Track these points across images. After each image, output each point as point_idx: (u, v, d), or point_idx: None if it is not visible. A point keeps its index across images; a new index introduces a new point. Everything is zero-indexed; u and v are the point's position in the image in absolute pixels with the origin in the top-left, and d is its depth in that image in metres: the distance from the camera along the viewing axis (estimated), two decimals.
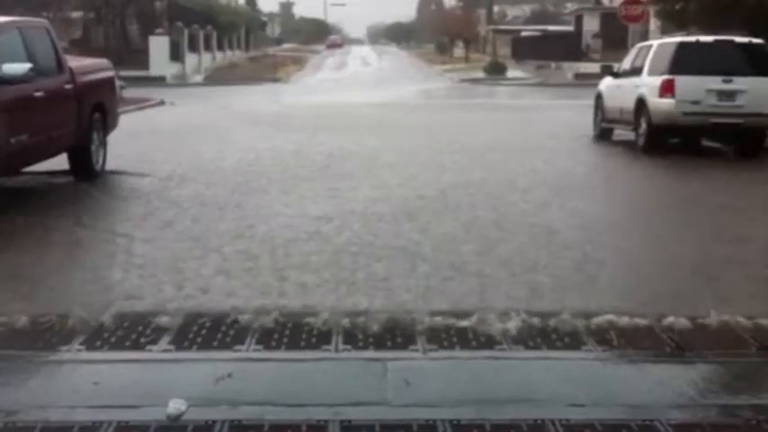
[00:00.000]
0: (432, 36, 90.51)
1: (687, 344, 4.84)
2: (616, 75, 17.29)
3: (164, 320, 5.07)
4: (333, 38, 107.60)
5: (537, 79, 42.92)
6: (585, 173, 12.84)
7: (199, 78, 42.58)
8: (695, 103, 14.22)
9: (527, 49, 55.06)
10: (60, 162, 10.73)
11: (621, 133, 16.32)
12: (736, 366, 4.64)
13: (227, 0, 70.52)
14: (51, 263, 6.82)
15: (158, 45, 40.31)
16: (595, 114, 17.75)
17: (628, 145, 15.45)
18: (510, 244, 7.54)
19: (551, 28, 64.10)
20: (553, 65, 48.75)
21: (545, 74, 45.84)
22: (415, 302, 5.60)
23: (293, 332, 4.96)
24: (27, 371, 4.43)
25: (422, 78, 46.18)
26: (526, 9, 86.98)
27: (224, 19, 55.62)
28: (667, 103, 14.30)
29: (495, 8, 77.42)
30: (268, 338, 4.86)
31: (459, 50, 68.37)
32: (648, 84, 14.89)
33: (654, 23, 36.95)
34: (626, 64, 16.99)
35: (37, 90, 9.38)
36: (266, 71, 48.89)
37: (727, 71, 14.33)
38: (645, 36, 30.34)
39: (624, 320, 5.13)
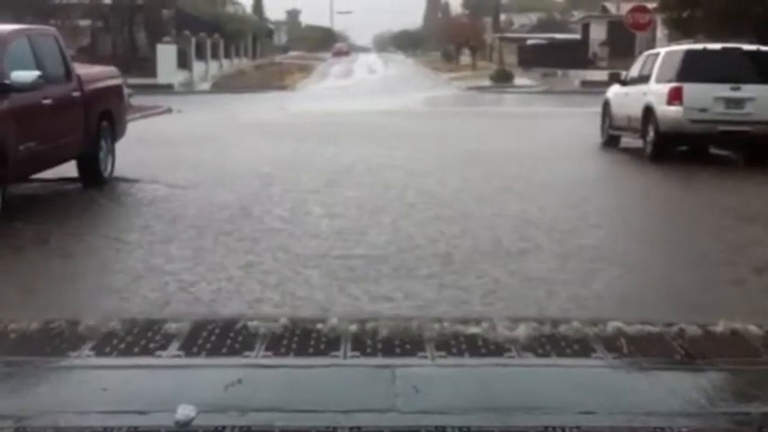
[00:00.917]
0: (438, 44, 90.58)
1: (697, 351, 4.81)
2: (624, 82, 17.27)
3: (173, 326, 5.06)
4: (339, 46, 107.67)
5: (544, 87, 42.90)
6: (594, 180, 12.82)
7: (206, 86, 42.66)
8: (703, 110, 14.20)
9: (534, 57, 55.02)
10: (69, 169, 10.75)
11: (629, 141, 16.29)
12: (747, 374, 4.62)
13: (234, 8, 70.82)
14: (57, 270, 6.83)
15: (166, 53, 40.41)
16: (603, 122, 17.74)
17: (635, 153, 15.42)
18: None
19: (558, 36, 64.10)
20: (560, 73, 48.73)
21: (552, 82, 45.81)
22: None
23: (302, 338, 4.95)
24: (36, 376, 4.43)
25: (428, 86, 46.20)
26: (533, 17, 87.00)
27: (231, 27, 55.77)
28: (675, 110, 14.28)
29: (502, 16, 77.60)
30: (277, 345, 4.85)
31: (465, 58, 68.39)
32: (656, 91, 14.88)
33: (661, 31, 36.94)
34: (633, 72, 16.98)
35: (45, 98, 9.41)
36: (273, 79, 48.96)
37: (736, 79, 14.32)
38: (652, 44, 30.34)
39: (634, 327, 5.11)
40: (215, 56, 50.43)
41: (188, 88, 40.11)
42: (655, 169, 13.88)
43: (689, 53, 14.97)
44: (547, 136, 19.19)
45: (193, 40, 44.40)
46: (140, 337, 4.94)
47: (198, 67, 45.09)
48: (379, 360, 4.69)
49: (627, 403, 4.17)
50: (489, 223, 8.86)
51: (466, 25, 71.42)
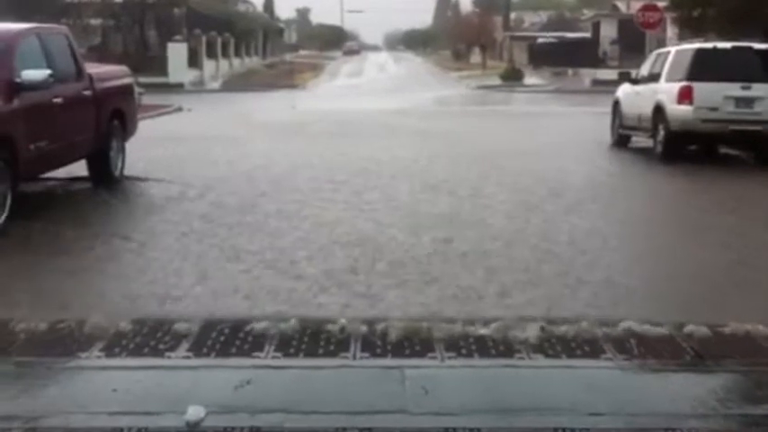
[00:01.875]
0: (448, 43, 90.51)
1: (707, 352, 4.81)
2: (634, 81, 17.21)
3: (182, 327, 5.07)
4: (349, 44, 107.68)
5: (554, 86, 42.79)
6: (603, 180, 12.79)
7: (216, 85, 42.68)
8: (713, 109, 14.15)
9: (544, 56, 54.93)
10: (79, 168, 10.78)
11: (639, 140, 16.25)
12: (756, 375, 4.60)
13: (244, 7, 70.85)
14: (67, 269, 6.85)
15: (176, 52, 40.42)
16: (613, 121, 17.68)
17: (645, 152, 15.38)
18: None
19: (568, 35, 63.92)
20: (570, 71, 48.63)
21: (562, 80, 45.71)
22: None
23: (311, 339, 4.96)
24: (46, 377, 4.45)
25: (439, 85, 46.17)
26: (543, 16, 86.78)
27: (241, 26, 55.81)
28: (685, 110, 14.24)
29: (512, 15, 77.38)
30: (286, 345, 4.86)
31: (475, 57, 68.30)
32: (666, 90, 14.83)
33: (671, 30, 36.83)
34: (644, 70, 16.93)
35: (56, 96, 9.43)
36: (283, 78, 48.96)
37: (746, 78, 14.26)
38: (662, 43, 30.25)
39: (644, 328, 5.11)
40: (225, 54, 50.45)
41: (199, 87, 40.12)
42: (665, 168, 13.83)
43: (699, 52, 14.92)
44: (557, 135, 19.15)
45: (204, 38, 44.41)
46: (150, 338, 4.96)
47: (209, 65, 45.11)
48: (389, 361, 4.70)
49: (636, 405, 4.16)
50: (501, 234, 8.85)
51: (476, 24, 71.28)
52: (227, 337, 4.98)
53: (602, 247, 7.88)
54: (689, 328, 5.10)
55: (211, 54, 46.12)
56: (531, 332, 5.02)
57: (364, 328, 5.07)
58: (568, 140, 17.91)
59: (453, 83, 49.07)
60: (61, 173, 10.55)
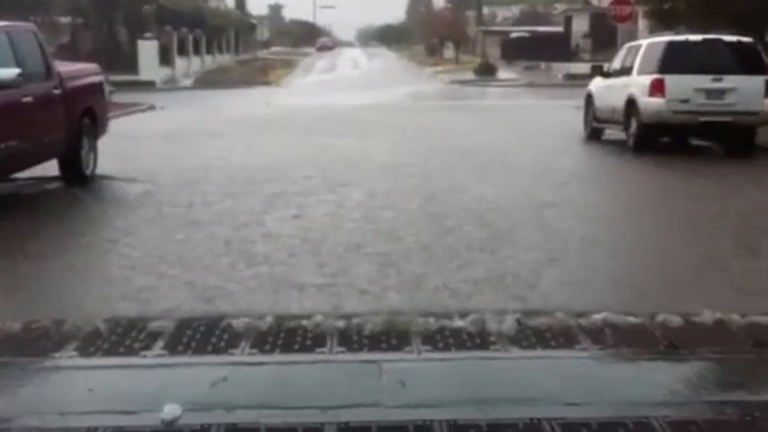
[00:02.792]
0: (422, 38, 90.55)
1: (681, 341, 4.85)
2: (606, 75, 17.30)
3: (157, 325, 5.05)
4: (323, 40, 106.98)
5: (527, 80, 42.93)
6: (577, 171, 12.86)
7: (189, 82, 42.48)
8: (685, 101, 14.26)
9: (517, 50, 55.06)
10: (50, 168, 10.70)
11: (612, 133, 16.34)
12: (729, 363, 4.65)
13: (216, 3, 70.50)
14: (39, 269, 6.80)
15: (147, 49, 40.18)
16: (586, 114, 17.77)
17: (618, 144, 15.47)
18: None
19: (541, 29, 64.13)
20: (543, 65, 48.80)
21: (535, 74, 45.87)
22: None
23: (288, 335, 4.96)
24: (21, 377, 4.42)
25: (413, 80, 46.18)
26: (515, 10, 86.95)
27: (213, 22, 55.54)
28: (657, 102, 14.34)
29: (485, 9, 77.50)
30: (262, 342, 4.86)
31: (449, 52, 68.40)
32: (638, 83, 14.92)
33: (643, 23, 36.96)
34: (616, 64, 17.02)
35: (25, 95, 9.35)
36: (256, 74, 48.80)
37: (717, 70, 14.39)
38: (634, 36, 30.37)
39: (618, 319, 5.14)
40: (197, 52, 50.22)
41: (170, 85, 39.93)
42: (637, 160, 13.93)
43: (670, 45, 15.02)
44: (530, 129, 19.24)
45: (175, 35, 44.19)
46: (125, 337, 4.94)
47: (180, 63, 44.88)
48: (366, 355, 4.71)
49: (611, 394, 4.20)
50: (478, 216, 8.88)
51: (449, 19, 71.34)
52: (202, 335, 4.96)
53: (572, 235, 7.92)
54: (662, 318, 5.14)
55: (183, 51, 45.90)
56: (507, 324, 5.04)
57: (340, 324, 5.07)
58: (542, 134, 17.99)
59: (427, 78, 49.11)
60: (32, 173, 10.45)
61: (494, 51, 57.28)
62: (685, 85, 14.28)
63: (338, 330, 5.00)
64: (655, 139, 14.94)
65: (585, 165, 14.23)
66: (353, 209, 9.26)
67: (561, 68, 44.39)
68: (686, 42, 15.13)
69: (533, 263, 6.85)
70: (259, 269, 6.64)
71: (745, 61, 14.65)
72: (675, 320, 5.12)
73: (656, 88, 14.37)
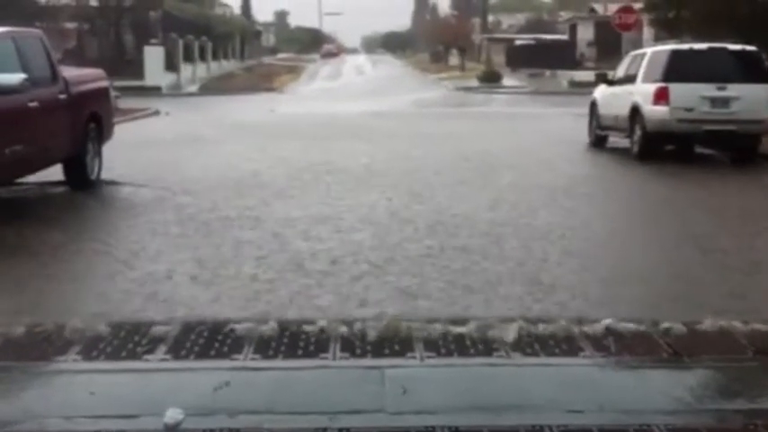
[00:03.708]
0: (427, 45, 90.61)
1: (684, 349, 4.84)
2: (610, 82, 17.31)
3: (160, 330, 5.06)
4: (328, 47, 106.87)
5: (531, 87, 42.92)
6: (582, 179, 12.85)
7: (194, 88, 42.53)
8: (689, 110, 14.26)
9: (522, 58, 55.09)
10: (55, 172, 10.72)
11: (616, 141, 16.34)
12: (732, 371, 4.65)
13: (222, 10, 70.67)
14: (43, 273, 6.81)
15: (153, 55, 40.27)
16: (590, 122, 17.77)
17: (622, 152, 15.47)
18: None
19: (546, 36, 64.20)
20: (548, 73, 48.82)
21: (540, 82, 45.86)
22: None
23: (291, 340, 4.96)
24: (24, 381, 4.42)
25: (417, 87, 46.20)
26: (521, 18, 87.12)
27: (219, 29, 55.67)
28: (661, 110, 14.34)
29: (490, 17, 77.63)
30: (265, 347, 4.86)
31: (454, 59, 68.43)
32: (643, 91, 14.93)
33: (647, 31, 37.03)
34: (620, 72, 17.03)
35: (31, 100, 9.37)
36: (261, 81, 48.85)
37: (721, 78, 14.39)
38: (639, 44, 30.42)
39: (621, 326, 5.14)
40: (203, 58, 50.31)
41: (176, 90, 39.98)
42: (641, 168, 13.92)
43: (675, 53, 15.02)
44: (535, 136, 19.24)
45: (181, 42, 44.26)
46: (128, 341, 4.94)
47: (186, 69, 44.96)
48: (369, 361, 4.71)
49: (614, 401, 4.19)
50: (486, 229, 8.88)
51: (454, 26, 71.41)
52: (205, 340, 4.97)
53: (576, 242, 7.92)
54: (665, 325, 5.14)
55: (188, 57, 45.97)
56: (510, 331, 5.04)
57: (343, 329, 5.07)
58: (547, 141, 17.99)
59: (432, 85, 49.12)
60: (37, 177, 10.47)
61: (499, 59, 57.29)
62: (690, 94, 14.28)
63: (341, 336, 5.00)
64: (659, 148, 14.94)
65: (588, 173, 14.21)
66: (351, 210, 9.28)
67: (566, 76, 44.42)
68: (691, 51, 15.13)
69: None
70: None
71: (749, 70, 14.66)
72: (678, 328, 5.12)
73: (661, 96, 14.37)
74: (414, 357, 4.74)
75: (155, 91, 36.52)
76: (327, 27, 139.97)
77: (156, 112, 26.10)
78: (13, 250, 7.59)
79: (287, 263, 7.08)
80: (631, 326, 5.15)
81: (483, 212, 9.51)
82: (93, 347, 4.84)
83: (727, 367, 4.67)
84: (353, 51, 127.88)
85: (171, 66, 42.02)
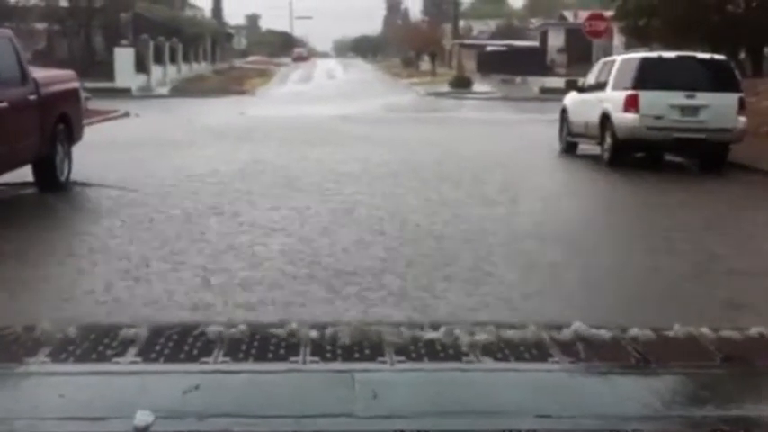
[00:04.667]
0: (398, 50, 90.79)
1: (652, 355, 4.88)
2: (581, 90, 17.43)
3: (130, 332, 5.03)
4: (298, 51, 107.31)
5: (502, 93, 43.10)
6: (552, 186, 12.93)
7: (164, 90, 42.32)
8: (659, 118, 14.38)
9: (492, 64, 55.35)
10: (24, 173, 10.64)
11: (587, 148, 16.44)
12: (700, 377, 4.69)
13: (192, 12, 70.38)
14: (11, 276, 6.76)
15: (123, 57, 40.03)
16: (561, 129, 17.88)
17: (593, 159, 15.57)
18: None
19: (517, 43, 64.53)
20: (518, 79, 49.05)
21: (510, 88, 46.07)
22: None
23: (261, 344, 4.95)
24: None
25: (388, 91, 46.23)
26: (492, 24, 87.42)
27: (190, 31, 55.40)
28: (631, 118, 14.46)
29: (461, 23, 77.87)
30: (236, 350, 4.84)
31: (425, 64, 68.61)
32: (613, 99, 15.04)
33: (618, 39, 37.34)
34: (590, 79, 17.15)
35: (0, 101, 9.30)
36: (232, 83, 48.72)
37: (691, 86, 14.53)
38: (609, 51, 30.64)
39: (590, 332, 5.17)
40: (173, 60, 50.04)
41: (146, 92, 39.76)
42: (611, 175, 14.04)
43: (644, 61, 15.15)
44: (505, 142, 19.32)
45: (152, 43, 44.00)
46: (97, 343, 4.91)
47: (156, 71, 44.71)
48: (339, 365, 4.71)
49: (582, 407, 4.22)
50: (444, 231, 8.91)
51: (425, 31, 71.65)
52: (175, 343, 4.95)
53: (545, 248, 7.97)
54: (634, 332, 5.17)
55: (159, 59, 45.73)
56: (480, 336, 5.06)
57: (314, 333, 5.07)
58: (518, 147, 18.08)
59: (403, 89, 49.18)
60: (5, 179, 10.38)
61: (470, 64, 57.52)
62: (659, 102, 14.41)
63: (312, 340, 4.99)
64: (629, 155, 15.06)
65: (559, 180, 14.29)
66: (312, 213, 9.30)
67: (536, 82, 44.66)
68: (660, 59, 15.28)
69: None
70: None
71: (718, 78, 14.81)
72: (647, 334, 5.15)
73: (630, 104, 14.49)
74: (384, 362, 4.74)
75: (125, 93, 36.31)
76: (299, 31, 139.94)
77: (126, 114, 25.95)
78: None
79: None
80: (600, 332, 5.18)
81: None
82: (63, 350, 4.80)
83: (695, 373, 4.71)
84: (324, 55, 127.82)
85: (141, 68, 41.79)
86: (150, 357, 4.74)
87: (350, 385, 4.40)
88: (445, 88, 46.02)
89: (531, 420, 4.01)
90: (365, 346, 4.93)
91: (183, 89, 43.40)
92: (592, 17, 29.78)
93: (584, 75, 18.53)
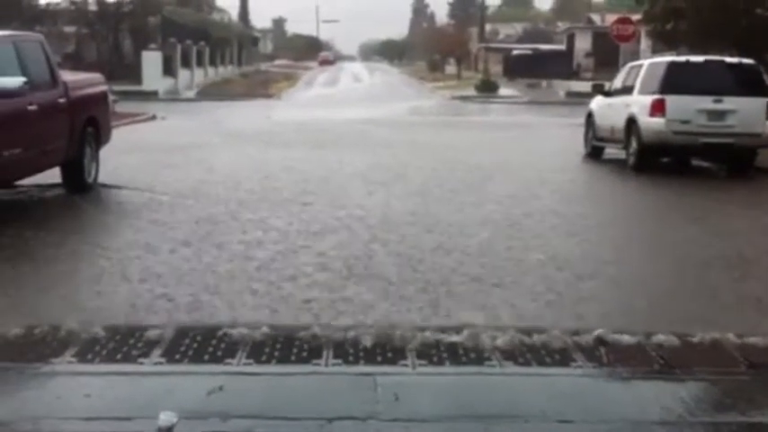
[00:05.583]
0: (424, 53, 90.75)
1: (676, 361, 4.86)
2: (607, 93, 17.37)
3: (155, 333, 5.07)
4: (324, 54, 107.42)
5: (528, 97, 43.01)
6: (577, 191, 12.89)
7: (191, 94, 42.56)
8: (685, 122, 14.31)
9: (519, 68, 55.22)
10: (53, 175, 10.74)
11: (612, 152, 16.37)
12: (724, 384, 4.65)
13: (219, 16, 70.70)
14: (39, 275, 6.82)
15: (151, 60, 40.30)
16: (586, 133, 17.82)
17: (618, 163, 15.51)
18: None
19: (543, 46, 64.31)
20: (545, 83, 48.91)
21: (536, 92, 45.95)
22: None
23: (284, 346, 4.97)
24: (18, 382, 4.43)
25: (414, 95, 46.25)
26: (518, 27, 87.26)
27: (217, 35, 55.68)
28: (658, 122, 14.39)
29: (488, 26, 77.72)
30: (259, 352, 4.86)
31: (451, 68, 68.54)
32: (639, 103, 14.98)
33: (645, 43, 37.16)
34: (617, 83, 17.09)
35: (31, 104, 9.40)
36: (258, 87, 48.91)
37: (718, 91, 14.44)
38: (636, 55, 30.51)
39: (613, 337, 5.15)
40: (200, 63, 50.31)
41: (173, 95, 39.99)
42: (637, 180, 13.98)
43: (672, 65, 15.08)
44: (531, 146, 19.28)
45: (179, 47, 44.27)
46: (123, 344, 4.95)
47: (183, 74, 44.95)
48: (361, 368, 4.71)
49: (606, 413, 4.20)
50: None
51: (451, 35, 71.60)
52: (199, 344, 4.97)
53: (571, 253, 7.95)
54: (658, 338, 5.15)
55: (186, 63, 45.99)
56: (503, 340, 5.05)
57: (337, 336, 5.08)
58: (543, 151, 18.03)
59: (428, 93, 49.17)
60: (35, 180, 10.49)
61: (496, 68, 57.40)
62: (686, 106, 14.33)
63: (334, 342, 5.01)
64: (655, 160, 14.98)
65: (584, 184, 14.24)
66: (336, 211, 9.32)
67: (563, 86, 44.52)
68: (688, 63, 15.19)
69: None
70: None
71: (746, 83, 14.71)
72: (671, 340, 5.13)
73: (657, 108, 14.43)
74: (406, 365, 4.74)
75: (152, 96, 36.56)
76: (325, 34, 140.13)
77: (153, 117, 26.12)
78: (11, 252, 7.60)
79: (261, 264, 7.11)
80: (624, 337, 5.16)
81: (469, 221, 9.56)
82: (89, 350, 4.85)
83: (720, 380, 4.67)
84: (350, 59, 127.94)
85: (169, 71, 42.05)
86: (175, 358, 4.77)
87: (372, 388, 4.41)
88: (471, 92, 45.97)
89: (554, 425, 4.00)
90: (387, 350, 4.94)
91: (210, 92, 43.63)
92: (619, 21, 29.69)
93: (611, 79, 18.47)
